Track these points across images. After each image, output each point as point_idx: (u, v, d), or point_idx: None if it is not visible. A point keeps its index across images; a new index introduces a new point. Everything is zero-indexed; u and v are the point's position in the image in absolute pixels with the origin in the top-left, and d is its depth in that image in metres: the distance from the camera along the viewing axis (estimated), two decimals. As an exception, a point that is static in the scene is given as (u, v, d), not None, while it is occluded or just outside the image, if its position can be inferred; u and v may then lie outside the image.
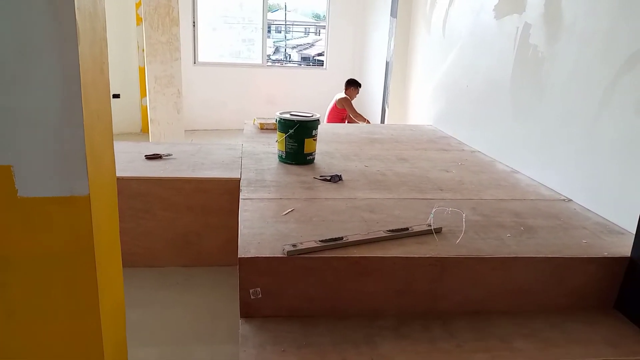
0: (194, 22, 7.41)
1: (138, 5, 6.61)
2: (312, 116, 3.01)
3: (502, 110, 3.27)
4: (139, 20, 6.71)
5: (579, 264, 1.90)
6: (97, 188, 1.24)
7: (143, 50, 6.04)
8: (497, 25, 3.38)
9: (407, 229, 1.94)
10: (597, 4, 2.40)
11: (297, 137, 2.92)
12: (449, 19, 4.29)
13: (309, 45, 11.07)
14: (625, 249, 1.95)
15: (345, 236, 1.85)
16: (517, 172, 3.02)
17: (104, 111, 1.32)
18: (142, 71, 6.84)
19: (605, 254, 1.92)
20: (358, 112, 5.83)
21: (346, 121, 5.81)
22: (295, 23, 11.04)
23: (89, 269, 1.23)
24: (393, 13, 5.56)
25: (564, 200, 2.54)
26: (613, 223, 2.23)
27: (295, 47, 11.10)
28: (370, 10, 7.57)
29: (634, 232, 1.92)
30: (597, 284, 1.93)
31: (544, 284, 1.91)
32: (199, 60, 7.64)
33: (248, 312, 1.77)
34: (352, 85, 5.91)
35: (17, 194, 1.15)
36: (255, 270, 1.74)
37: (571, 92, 2.57)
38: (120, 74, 6.75)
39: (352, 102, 5.87)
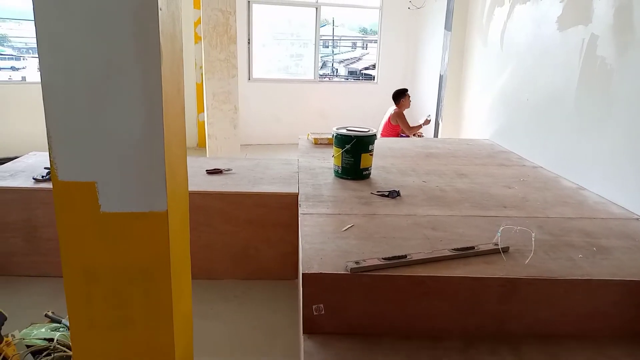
0: (249, 40, 7.60)
1: (197, 23, 6.85)
2: (368, 131, 3.00)
3: (567, 125, 3.14)
4: (197, 38, 6.96)
5: (659, 289, 1.78)
6: (174, 203, 1.28)
7: (201, 67, 6.24)
8: (560, 37, 3.28)
9: (472, 247, 1.89)
10: (674, 13, 2.29)
11: (353, 152, 2.92)
12: (507, 31, 4.19)
13: (356, 59, 11.11)
14: None
15: (409, 254, 1.83)
16: (584, 188, 2.89)
17: (180, 129, 1.37)
18: (199, 87, 7.06)
19: (689, 278, 1.79)
20: (411, 125, 5.73)
21: (401, 134, 5.75)
22: (342, 38, 11.12)
23: (165, 281, 1.26)
24: (447, 26, 5.50)
25: (637, 219, 2.40)
26: (695, 245, 2.09)
27: (342, 61, 11.16)
28: (423, 23, 7.52)
29: None
30: (680, 311, 1.80)
31: (619, 308, 1.80)
32: (253, 76, 7.82)
33: (311, 328, 1.77)
34: (401, 95, 5.76)
35: (100, 209, 1.20)
36: (318, 286, 1.74)
37: (645, 105, 2.45)
38: (178, 91, 6.99)
39: (406, 111, 5.76)
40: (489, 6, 4.61)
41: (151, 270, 1.25)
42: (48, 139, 1.15)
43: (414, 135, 5.78)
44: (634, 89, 2.53)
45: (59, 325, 1.98)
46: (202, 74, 5.53)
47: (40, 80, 1.13)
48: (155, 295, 1.27)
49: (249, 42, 7.61)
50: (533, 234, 1.95)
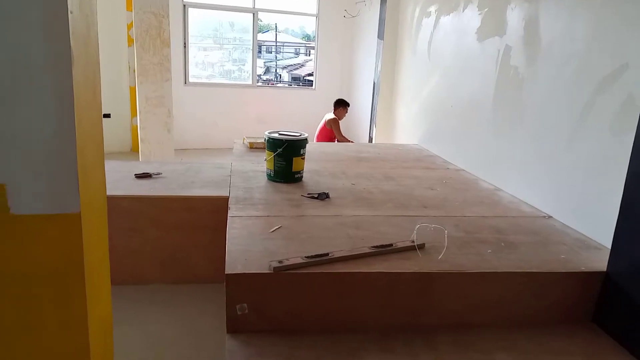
0: (184, 44, 7.50)
1: (130, 26, 6.70)
2: (300, 135, 3.07)
3: (485, 130, 3.36)
4: (130, 41, 6.79)
5: (557, 279, 1.95)
6: (88, 206, 1.28)
7: (134, 70, 6.11)
8: (479, 48, 3.50)
9: (391, 245, 1.99)
10: (573, 28, 2.51)
11: (285, 155, 2.98)
12: (433, 41, 4.41)
13: (299, 65, 11.21)
14: (602, 263, 2.01)
15: (331, 252, 1.90)
16: (500, 189, 3.10)
17: (96, 132, 1.37)
18: (132, 91, 6.89)
19: (583, 269, 1.98)
20: (343, 134, 5.95)
21: (336, 140, 5.90)
22: (285, 44, 11.19)
23: (79, 284, 1.26)
24: (380, 35, 5.70)
25: (544, 217, 2.61)
26: (591, 239, 2.30)
27: (285, 67, 11.23)
28: (358, 32, 7.73)
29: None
30: (575, 298, 1.98)
31: (523, 298, 1.96)
32: (189, 80, 7.72)
33: (235, 327, 1.80)
34: (341, 105, 6.03)
35: (10, 211, 1.19)
36: (242, 286, 1.78)
37: (549, 111, 2.67)
38: (110, 94, 6.80)
39: (342, 120, 5.98)
40: (417, 17, 4.83)
41: (64, 274, 1.24)
42: (-46, 141, 1.13)
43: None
44: (540, 97, 2.76)
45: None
46: (135, 78, 5.42)
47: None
48: (68, 300, 1.26)
49: (184, 46, 7.52)
50: (446, 232, 2.08)
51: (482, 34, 3.47)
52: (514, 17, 3.06)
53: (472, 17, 3.63)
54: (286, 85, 10.43)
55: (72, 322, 1.28)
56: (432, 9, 4.43)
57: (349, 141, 5.84)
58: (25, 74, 1.12)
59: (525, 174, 2.88)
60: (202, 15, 7.93)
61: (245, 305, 1.78)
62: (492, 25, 3.33)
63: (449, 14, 4.08)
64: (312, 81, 8.95)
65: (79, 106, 1.19)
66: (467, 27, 3.68)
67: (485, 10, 3.43)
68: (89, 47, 1.30)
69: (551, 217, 2.60)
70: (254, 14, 7.87)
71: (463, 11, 3.79)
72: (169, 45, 5.06)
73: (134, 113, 6.93)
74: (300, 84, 10.33)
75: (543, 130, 2.72)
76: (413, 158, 3.98)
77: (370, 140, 6.00)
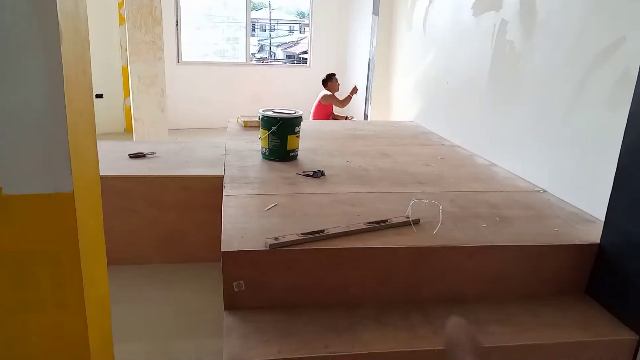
0: (177, 22, 7.40)
1: (121, 5, 6.59)
2: (294, 113, 3.05)
3: (481, 106, 3.34)
4: (121, 20, 6.69)
5: (551, 252, 1.97)
6: (81, 185, 1.27)
7: (126, 49, 6.03)
8: (475, 22, 3.46)
9: (386, 220, 2.00)
10: (570, 1, 2.48)
11: (280, 134, 2.97)
12: (429, 17, 4.36)
13: (294, 43, 11.10)
14: (595, 236, 2.03)
15: (327, 229, 1.91)
16: (495, 165, 3.10)
17: (87, 110, 1.36)
18: (125, 71, 6.82)
19: (576, 242, 2.00)
20: (341, 98, 5.91)
21: (331, 117, 5.88)
22: (279, 21, 11.05)
23: (74, 264, 1.26)
24: (375, 11, 5.63)
25: (539, 191, 2.62)
26: (585, 212, 2.32)
27: (280, 45, 11.12)
28: (353, 7, 7.63)
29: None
30: (568, 271, 2.01)
31: (518, 271, 1.98)
32: (182, 59, 7.63)
33: (232, 304, 1.81)
34: (329, 79, 5.99)
35: (2, 192, 1.18)
36: (239, 263, 1.79)
37: (545, 86, 2.66)
38: (103, 74, 6.72)
39: (338, 93, 5.96)
40: (412, -9, 4.76)
41: (59, 253, 1.24)
42: (-55, 121, 1.12)
43: (346, 118, 5.92)
44: (536, 72, 2.74)
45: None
46: (127, 57, 5.36)
47: None
48: (63, 278, 1.26)
49: (177, 25, 7.41)
50: (440, 207, 2.08)
51: (478, 8, 3.43)
52: (510, -10, 3.02)
53: (467, -9, 3.58)
54: (280, 63, 10.33)
55: (69, 301, 1.28)
56: (427, -17, 4.36)
57: (350, 116, 5.83)
58: (13, 53, 1.10)
59: (521, 149, 2.88)
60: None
61: (242, 282, 1.79)
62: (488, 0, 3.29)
63: (445, -12, 4.02)
64: (306, 59, 8.87)
65: (69, 84, 1.17)
66: (463, 2, 3.63)
67: (481, -17, 3.38)
68: (78, 24, 1.27)
69: (546, 191, 2.61)
70: (246, -10, 7.75)
71: (458, -15, 3.74)
72: (160, 24, 4.98)
73: (127, 93, 6.87)
74: (295, 61, 10.24)
75: (539, 105, 2.71)
76: (409, 135, 3.97)
77: (366, 117, 5.97)
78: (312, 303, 1.86)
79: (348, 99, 5.80)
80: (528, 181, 2.77)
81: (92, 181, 1.42)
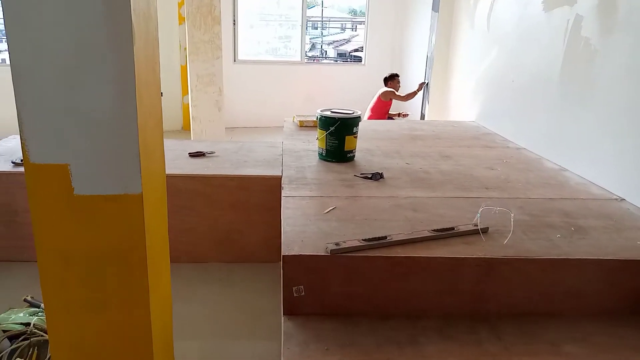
0: (234, 21, 7.49)
1: (180, 4, 6.73)
2: (353, 113, 2.99)
3: (550, 106, 3.16)
4: (181, 19, 6.84)
5: (633, 267, 1.81)
6: (149, 186, 1.27)
7: (185, 48, 6.15)
8: (545, 18, 3.27)
9: (452, 228, 1.91)
10: (656, -6, 2.29)
11: (337, 134, 2.91)
12: (493, 13, 4.18)
13: (346, 41, 11.02)
14: (684, 252, 1.85)
15: (389, 235, 1.83)
16: (566, 169, 2.92)
17: (155, 110, 1.35)
18: (183, 69, 6.97)
19: (664, 257, 1.83)
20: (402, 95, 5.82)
21: (387, 117, 5.79)
22: (331, 19, 11.01)
23: (141, 264, 1.26)
24: (435, 7, 5.47)
25: (616, 199, 2.43)
26: (671, 224, 2.13)
27: (331, 43, 11.08)
28: (411, 4, 7.46)
29: (696, 235, 1.82)
30: (654, 289, 1.84)
31: (596, 287, 1.83)
32: (239, 58, 7.73)
33: (291, 309, 1.78)
34: (390, 79, 5.90)
35: (74, 192, 1.19)
36: (299, 268, 1.75)
37: (625, 86, 2.46)
38: (162, 73, 6.87)
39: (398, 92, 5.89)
40: (476, -13, 4.58)
41: (126, 253, 1.24)
42: (19, 121, 1.13)
43: (400, 115, 5.81)
44: (616, 72, 2.55)
45: (37, 310, 1.97)
46: (186, 56, 5.46)
47: (9, 61, 1.10)
48: (130, 278, 1.26)
49: (234, 23, 7.51)
50: (512, 215, 1.96)
51: (549, 3, 3.24)
52: (587, -16, 2.83)
53: (537, -15, 3.39)
54: (332, 61, 10.28)
55: (136, 300, 1.28)
56: (492, -22, 4.18)
57: (414, 92, 5.71)
58: (87, 51, 1.10)
59: (595, 154, 2.69)
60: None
61: (302, 287, 1.75)
62: (561, -6, 3.10)
63: (511, -17, 3.83)
64: (358, 57, 8.76)
65: (140, 84, 1.17)
66: (532, -3, 3.45)
67: (553, -23, 3.19)
68: (149, 23, 1.27)
69: (624, 199, 2.42)
70: (303, -12, 7.74)
71: (527, -21, 3.55)
72: (219, 23, 5.04)
73: (184, 91, 7.02)
74: (348, 60, 10.17)
75: (618, 107, 2.52)
76: (470, 136, 3.82)
77: (423, 117, 5.82)
78: (372, 311, 1.80)
79: (413, 94, 5.70)
80: (603, 188, 2.58)
81: (159, 182, 1.42)
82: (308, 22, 9.26)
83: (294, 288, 1.75)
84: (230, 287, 2.65)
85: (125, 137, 1.16)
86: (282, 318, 1.78)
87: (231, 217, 2.75)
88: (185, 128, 7.29)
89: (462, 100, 4.97)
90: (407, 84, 6.96)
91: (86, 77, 1.11)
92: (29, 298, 2.05)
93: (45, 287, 1.25)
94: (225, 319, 2.42)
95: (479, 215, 1.94)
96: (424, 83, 5.71)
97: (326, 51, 10.92)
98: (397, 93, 5.79)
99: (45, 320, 1.92)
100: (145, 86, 1.22)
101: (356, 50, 10.12)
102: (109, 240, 1.23)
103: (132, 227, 1.23)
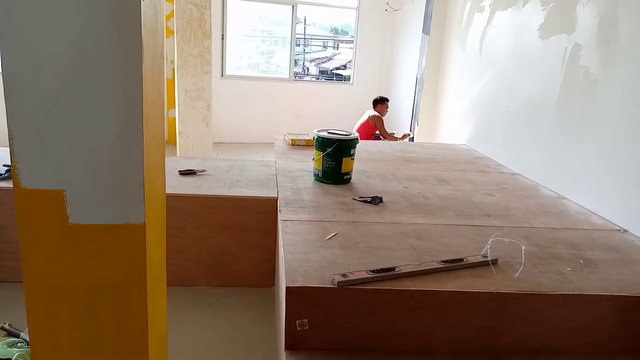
0: (222, 35, 7.42)
1: (168, 17, 6.64)
2: (350, 135, 2.92)
3: (547, 133, 3.14)
4: (168, 32, 6.74)
5: (647, 304, 1.76)
6: (152, 214, 1.16)
7: (171, 62, 6.03)
8: (542, 45, 3.27)
9: (461, 259, 1.83)
10: (659, 26, 2.29)
11: (335, 156, 2.84)
12: (486, 37, 4.19)
13: (328, 59, 11.09)
14: (696, 287, 1.81)
15: (397, 266, 1.75)
16: (564, 197, 2.88)
17: (159, 133, 1.25)
18: (169, 83, 6.84)
19: (677, 294, 1.78)
20: (388, 131, 5.83)
21: (381, 138, 5.76)
22: (314, 37, 11.06)
23: (140, 299, 1.15)
24: (425, 30, 5.48)
25: (619, 230, 2.40)
26: (677, 258, 2.09)
27: (313, 60, 11.12)
28: (400, 26, 7.50)
29: None
30: (667, 326, 1.79)
31: (609, 323, 1.77)
32: (226, 73, 7.64)
33: (293, 344, 1.67)
34: (380, 102, 5.89)
35: (68, 221, 1.07)
36: (303, 300, 1.64)
37: (627, 118, 2.45)
38: (148, 85, 6.75)
39: (384, 117, 5.87)
40: (469, 11, 4.60)
41: (125, 288, 1.13)
42: (10, 141, 1.02)
43: (404, 137, 5.80)
44: (617, 102, 2.53)
45: (16, 340, 1.82)
46: (173, 69, 5.35)
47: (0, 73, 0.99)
48: (129, 315, 1.15)
49: (222, 38, 7.44)
50: (523, 247, 1.90)
51: (546, 30, 3.24)
52: (586, 13, 2.83)
53: (534, 13, 3.40)
54: (314, 78, 10.29)
55: (134, 338, 1.17)
56: (486, 3, 4.20)
57: (395, 138, 5.69)
58: (91, 68, 0.99)
59: (595, 183, 2.66)
60: (238, 6, 7.80)
61: (305, 320, 1.65)
62: (559, 22, 3.10)
63: (506, 9, 3.84)
64: (340, 75, 8.76)
65: (147, 104, 1.07)
66: (528, 24, 3.45)
67: (551, 5, 3.20)
68: (157, 38, 1.17)
69: (627, 230, 2.39)
70: (293, 6, 7.72)
71: (523, 6, 3.56)
72: (210, 37, 4.96)
73: (170, 105, 6.88)
74: (329, 77, 10.20)
75: (617, 138, 2.50)
76: (463, 160, 3.78)
77: (412, 139, 5.80)
78: (379, 347, 1.70)
79: (392, 138, 5.70)
80: (605, 218, 2.55)
81: (160, 209, 1.31)
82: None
83: (297, 322, 1.64)
84: (222, 313, 2.52)
85: (129, 161, 1.06)
86: (284, 353, 1.66)
87: (223, 239, 2.63)
88: (171, 142, 7.13)
89: (452, 122, 4.96)
90: (396, 106, 6.96)
91: (90, 97, 1.01)
92: (6, 326, 1.89)
93: (33, 323, 1.13)
94: (218, 346, 2.29)
95: (488, 246, 1.87)
96: (408, 135, 5.72)
97: (308, 68, 10.93)
98: (384, 124, 5.78)
99: (28, 352, 1.78)
100: (151, 107, 1.12)
101: (338, 68, 10.16)
102: (106, 274, 1.12)
103: (133, 260, 1.12)
